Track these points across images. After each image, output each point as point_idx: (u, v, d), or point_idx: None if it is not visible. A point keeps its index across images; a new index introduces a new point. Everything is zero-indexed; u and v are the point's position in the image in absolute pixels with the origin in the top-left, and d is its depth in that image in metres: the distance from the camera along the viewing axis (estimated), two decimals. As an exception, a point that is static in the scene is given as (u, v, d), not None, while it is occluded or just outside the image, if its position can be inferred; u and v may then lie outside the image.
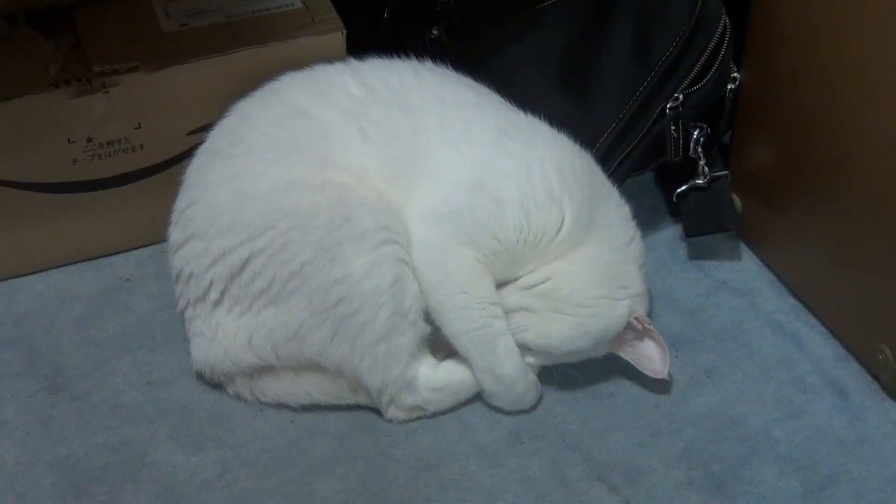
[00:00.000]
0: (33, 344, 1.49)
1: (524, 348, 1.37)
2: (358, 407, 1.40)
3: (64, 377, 1.44)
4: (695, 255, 1.63)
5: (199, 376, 1.41)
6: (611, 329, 1.37)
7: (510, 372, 1.36)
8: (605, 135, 1.54)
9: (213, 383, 1.41)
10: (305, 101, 1.40)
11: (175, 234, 1.40)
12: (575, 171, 1.39)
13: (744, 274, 1.60)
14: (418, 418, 1.39)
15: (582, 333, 1.36)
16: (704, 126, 1.56)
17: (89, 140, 1.52)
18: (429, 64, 1.46)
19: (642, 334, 1.39)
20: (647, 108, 1.55)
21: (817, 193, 1.47)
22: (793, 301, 1.55)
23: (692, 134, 1.55)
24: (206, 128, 1.46)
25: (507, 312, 1.36)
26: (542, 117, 1.45)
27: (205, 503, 1.30)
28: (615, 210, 1.43)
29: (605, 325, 1.37)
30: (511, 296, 1.37)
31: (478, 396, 1.40)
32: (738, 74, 1.57)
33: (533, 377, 1.39)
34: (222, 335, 1.37)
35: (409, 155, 1.37)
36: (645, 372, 1.40)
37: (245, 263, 1.33)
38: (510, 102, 1.46)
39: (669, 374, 1.40)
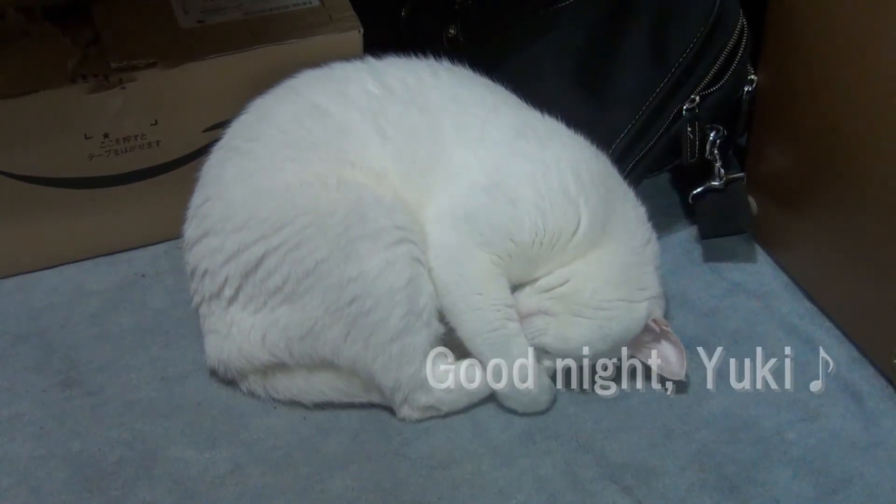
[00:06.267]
0: (48, 338, 1.50)
1: (542, 351, 1.37)
2: (371, 405, 1.40)
3: (78, 372, 1.45)
4: (710, 257, 1.63)
5: (213, 373, 1.41)
6: (630, 331, 1.37)
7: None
8: (622, 136, 1.54)
9: (227, 380, 1.41)
10: (324, 99, 1.40)
11: (190, 230, 1.40)
12: (591, 173, 1.39)
13: (759, 276, 1.60)
14: (431, 418, 1.39)
15: (601, 336, 1.36)
16: (721, 128, 1.56)
17: (106, 136, 1.53)
18: (446, 63, 1.46)
19: (659, 336, 1.39)
20: (663, 109, 1.55)
21: (833, 196, 1.46)
22: (807, 304, 1.55)
23: (708, 135, 1.55)
24: (222, 124, 1.46)
25: (525, 316, 1.36)
26: (559, 118, 1.45)
27: (217, 499, 1.30)
28: (631, 211, 1.43)
29: (624, 327, 1.37)
30: (529, 299, 1.37)
31: (491, 396, 1.40)
32: (754, 76, 1.56)
33: (547, 380, 1.38)
34: (236, 332, 1.37)
35: (425, 154, 1.37)
36: (662, 374, 1.40)
37: (260, 260, 1.33)
38: (527, 102, 1.46)
39: (686, 375, 1.40)
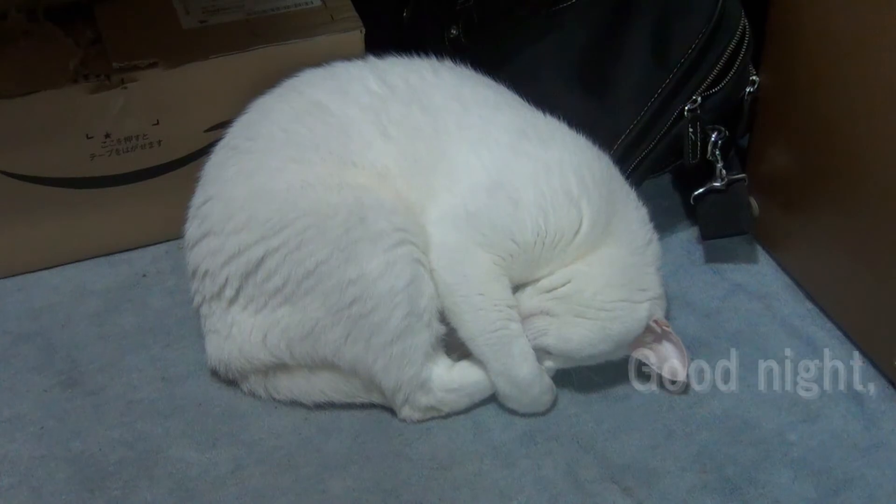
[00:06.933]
0: (49, 338, 1.50)
1: (543, 352, 1.37)
2: (372, 406, 1.40)
3: (79, 372, 1.45)
4: (711, 257, 1.63)
5: (214, 373, 1.41)
6: (631, 332, 1.37)
7: (525, 375, 1.36)
8: (624, 136, 1.54)
9: (228, 380, 1.41)
10: (326, 97, 1.40)
11: (191, 230, 1.40)
12: (593, 173, 1.39)
13: (760, 277, 1.60)
14: (432, 418, 1.39)
15: (603, 337, 1.36)
16: (722, 129, 1.56)
17: (107, 136, 1.53)
18: (448, 63, 1.46)
19: (661, 337, 1.39)
20: (665, 110, 1.55)
21: (835, 197, 1.46)
22: (809, 305, 1.54)
23: (710, 136, 1.55)
24: (223, 124, 1.46)
25: (527, 316, 1.36)
26: (561, 118, 1.44)
27: (218, 500, 1.30)
28: (633, 212, 1.43)
29: (626, 328, 1.37)
30: (531, 299, 1.37)
31: (492, 397, 1.40)
32: (756, 77, 1.56)
33: (548, 380, 1.38)
34: (237, 332, 1.37)
35: (428, 154, 1.37)
36: (664, 375, 1.40)
37: (260, 261, 1.33)
38: (529, 102, 1.46)
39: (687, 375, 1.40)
